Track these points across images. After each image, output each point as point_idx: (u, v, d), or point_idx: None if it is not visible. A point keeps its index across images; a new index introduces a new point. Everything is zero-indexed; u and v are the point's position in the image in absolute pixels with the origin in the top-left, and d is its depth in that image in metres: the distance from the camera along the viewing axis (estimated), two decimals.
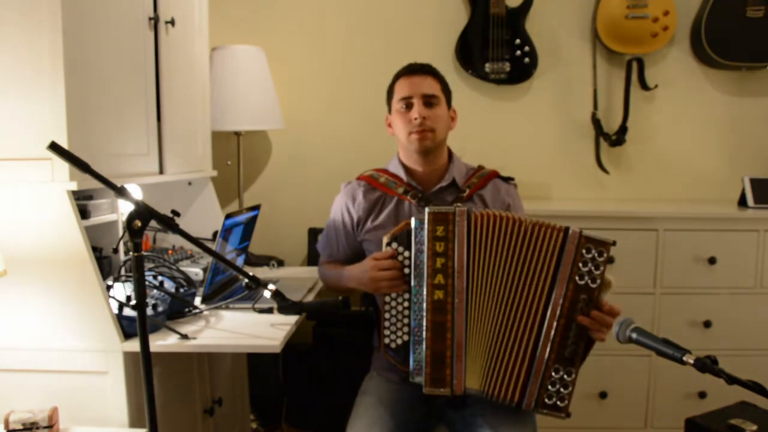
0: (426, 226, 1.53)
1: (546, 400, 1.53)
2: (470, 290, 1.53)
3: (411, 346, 1.57)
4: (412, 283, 1.56)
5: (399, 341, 1.61)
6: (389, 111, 1.85)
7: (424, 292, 1.54)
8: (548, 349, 1.51)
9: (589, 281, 1.50)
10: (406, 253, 1.59)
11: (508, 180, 1.89)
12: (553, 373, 1.52)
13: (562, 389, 1.52)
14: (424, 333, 1.54)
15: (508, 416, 1.60)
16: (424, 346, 1.54)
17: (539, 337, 1.52)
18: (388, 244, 1.62)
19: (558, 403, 1.52)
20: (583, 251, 1.50)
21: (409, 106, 1.75)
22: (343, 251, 1.89)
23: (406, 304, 1.60)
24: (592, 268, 1.50)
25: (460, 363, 1.53)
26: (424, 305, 1.54)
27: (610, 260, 1.54)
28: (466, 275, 1.53)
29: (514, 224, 1.54)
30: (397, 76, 1.82)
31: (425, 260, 1.53)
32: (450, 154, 1.86)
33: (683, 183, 2.93)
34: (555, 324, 1.51)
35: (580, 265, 1.50)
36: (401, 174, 1.82)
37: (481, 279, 1.54)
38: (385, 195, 1.82)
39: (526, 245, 1.53)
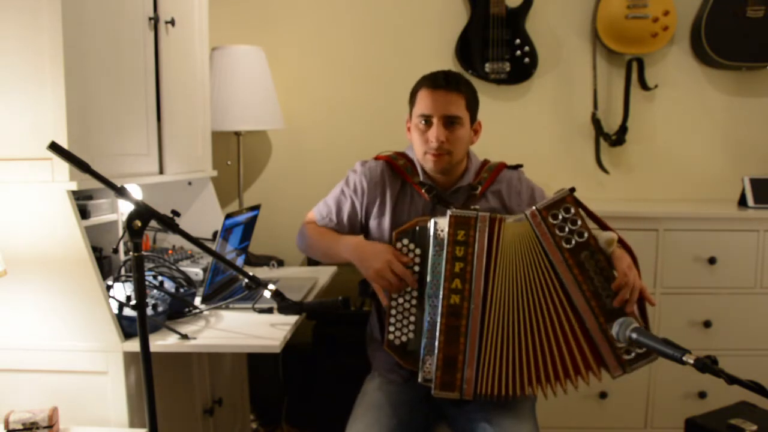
0: (447, 229, 1.52)
1: (626, 356, 1.52)
2: (488, 296, 1.52)
3: (422, 348, 1.55)
4: (428, 285, 1.55)
5: (404, 338, 1.61)
6: (410, 114, 1.75)
7: (440, 296, 1.52)
8: (593, 317, 1.51)
9: (577, 238, 1.51)
10: (418, 251, 1.59)
11: (516, 167, 1.85)
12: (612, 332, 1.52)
13: None
14: (437, 336, 1.52)
15: (509, 412, 1.61)
16: (436, 349, 1.52)
17: (578, 315, 1.51)
18: (398, 240, 1.61)
19: (638, 350, 1.52)
20: (551, 219, 1.51)
21: (428, 124, 1.67)
22: (342, 226, 1.81)
23: (414, 302, 1.60)
24: (570, 225, 1.51)
25: (471, 368, 1.52)
26: (439, 309, 1.52)
27: (585, 209, 1.57)
28: (484, 281, 1.52)
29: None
30: (422, 84, 1.71)
31: (443, 263, 1.52)
32: (468, 156, 1.79)
33: (683, 183, 2.93)
34: (580, 292, 1.51)
35: (558, 231, 1.51)
36: (418, 166, 1.76)
37: (500, 285, 1.52)
38: (402, 180, 1.77)
39: (518, 248, 1.53)
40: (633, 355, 1.52)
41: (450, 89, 1.66)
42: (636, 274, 1.53)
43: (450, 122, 1.66)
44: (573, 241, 1.51)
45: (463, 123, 1.68)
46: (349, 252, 1.69)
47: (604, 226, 1.63)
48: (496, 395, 1.53)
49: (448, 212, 1.53)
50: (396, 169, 1.78)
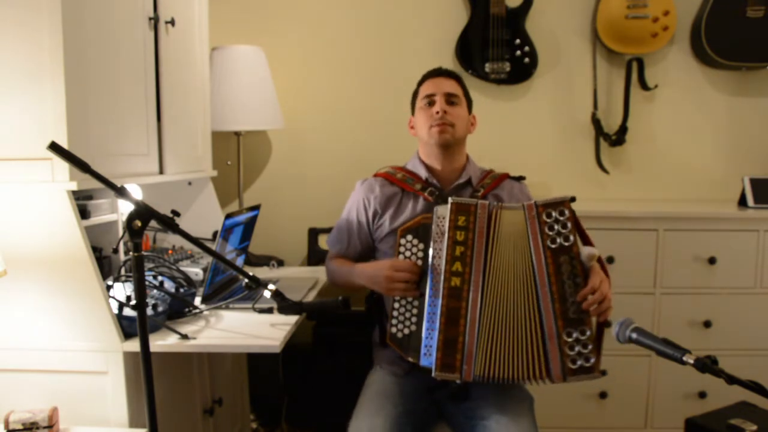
0: (448, 215, 1.58)
1: (571, 366, 1.54)
2: (486, 279, 1.57)
3: (423, 331, 1.58)
4: (429, 272, 1.59)
5: (406, 330, 1.65)
6: (413, 113, 1.93)
7: (442, 278, 1.57)
8: (552, 318, 1.54)
9: (562, 241, 1.56)
10: (421, 246, 1.65)
11: (519, 179, 1.95)
12: (566, 338, 1.54)
13: (582, 349, 1.53)
14: (438, 318, 1.56)
15: (506, 410, 1.62)
16: (437, 331, 1.55)
17: (539, 311, 1.55)
18: (403, 236, 1.67)
19: (584, 364, 1.53)
20: (544, 216, 1.57)
21: (431, 103, 1.84)
22: (355, 247, 1.92)
23: (416, 293, 1.64)
24: (560, 228, 1.57)
25: (471, 350, 1.55)
26: (441, 291, 1.56)
27: (577, 221, 1.62)
28: (483, 264, 1.57)
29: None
30: (423, 79, 1.91)
31: (445, 248, 1.57)
32: (467, 156, 1.93)
33: (683, 183, 2.93)
34: (548, 292, 1.55)
35: (547, 229, 1.57)
36: (421, 171, 1.87)
37: (495, 270, 1.57)
38: (402, 191, 1.87)
39: (511, 236, 1.59)
40: (578, 365, 1.53)
41: (449, 76, 1.89)
42: (608, 289, 1.58)
43: (451, 100, 1.84)
44: (558, 242, 1.56)
45: (461, 104, 1.86)
46: (360, 279, 1.79)
47: (587, 242, 1.66)
48: (492, 377, 1.55)
49: (450, 200, 1.60)
50: (395, 182, 1.88)
